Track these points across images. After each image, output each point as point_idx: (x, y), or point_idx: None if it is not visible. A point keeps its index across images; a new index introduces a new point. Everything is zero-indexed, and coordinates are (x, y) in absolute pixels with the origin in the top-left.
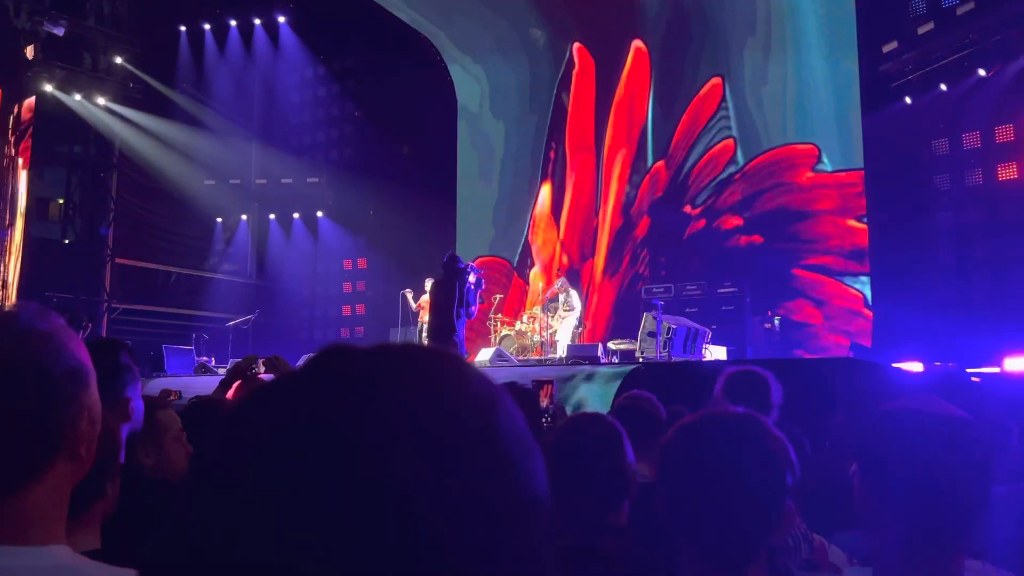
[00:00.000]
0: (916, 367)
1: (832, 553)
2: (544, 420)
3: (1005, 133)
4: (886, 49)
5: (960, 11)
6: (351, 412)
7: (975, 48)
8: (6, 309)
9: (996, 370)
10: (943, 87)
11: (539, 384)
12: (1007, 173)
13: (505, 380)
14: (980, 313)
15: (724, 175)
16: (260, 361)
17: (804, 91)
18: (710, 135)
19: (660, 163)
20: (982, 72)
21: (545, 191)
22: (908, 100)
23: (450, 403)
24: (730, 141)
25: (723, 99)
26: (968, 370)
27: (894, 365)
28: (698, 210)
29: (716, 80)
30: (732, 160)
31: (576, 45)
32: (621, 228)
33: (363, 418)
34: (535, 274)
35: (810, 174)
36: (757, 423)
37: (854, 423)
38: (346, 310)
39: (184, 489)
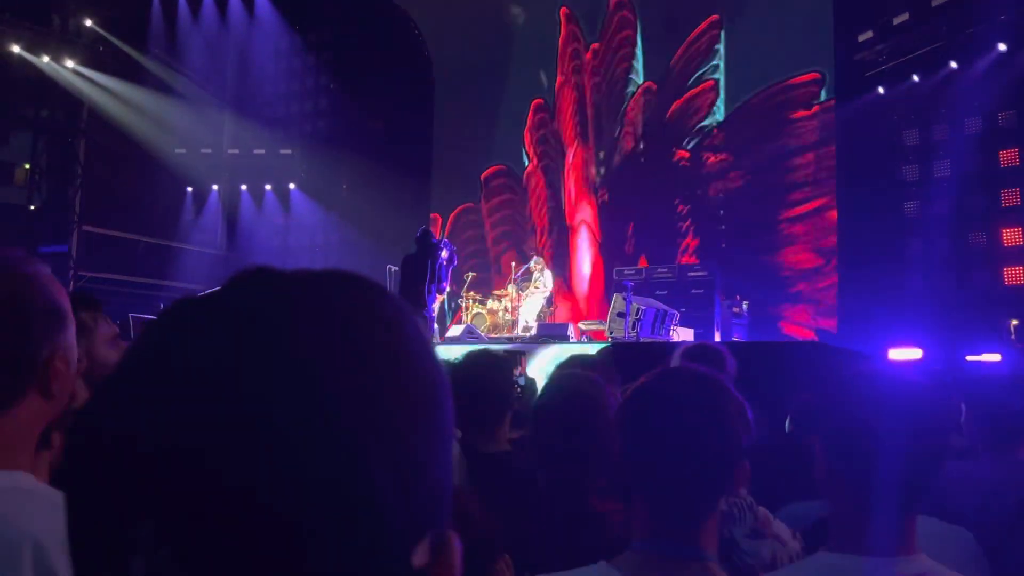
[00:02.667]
0: (915, 353)
1: (776, 525)
2: (516, 388)
3: (973, 126)
4: (861, 38)
5: (935, 2)
6: (273, 324)
7: (948, 40)
8: None
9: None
10: (915, 78)
11: (511, 354)
12: (974, 165)
13: (480, 348)
14: (943, 303)
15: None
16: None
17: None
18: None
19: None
20: (954, 65)
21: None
22: (881, 90)
23: (364, 316)
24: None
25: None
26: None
27: (893, 350)
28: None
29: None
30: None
31: (563, 10)
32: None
33: (284, 329)
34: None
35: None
36: (716, 381)
37: (816, 396)
38: None
39: (118, 379)
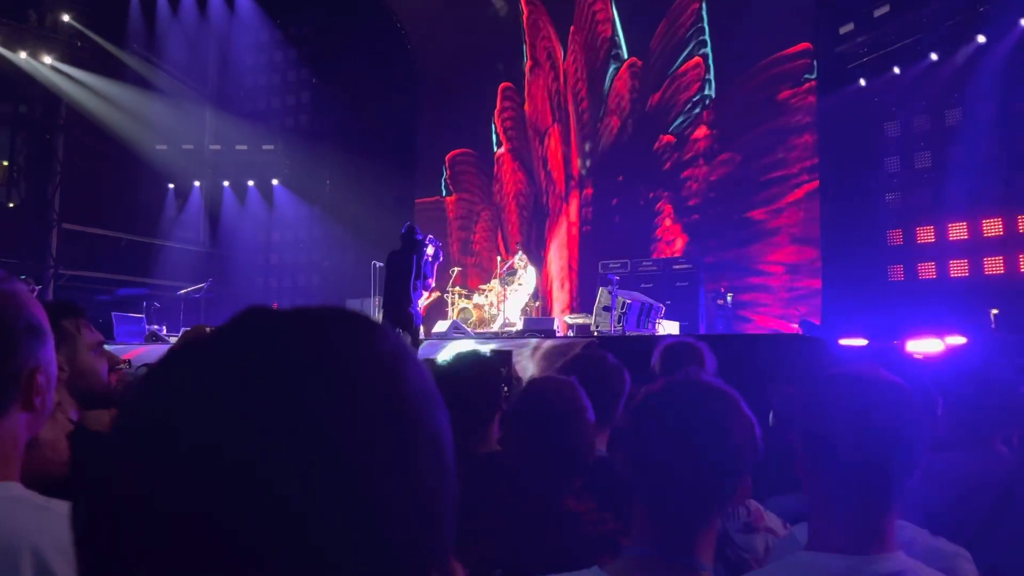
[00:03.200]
0: (860, 342)
1: (768, 517)
2: (504, 389)
3: (953, 117)
4: (843, 31)
5: None
6: (275, 369)
7: (928, 32)
8: None
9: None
10: (896, 70)
11: (498, 354)
12: (955, 156)
13: (468, 350)
14: (923, 294)
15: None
16: (207, 330)
17: None
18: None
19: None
20: (934, 56)
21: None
22: (863, 82)
23: (363, 358)
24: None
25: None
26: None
27: (841, 341)
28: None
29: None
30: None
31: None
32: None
33: (285, 375)
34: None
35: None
36: (725, 395)
37: (796, 392)
38: (301, 280)
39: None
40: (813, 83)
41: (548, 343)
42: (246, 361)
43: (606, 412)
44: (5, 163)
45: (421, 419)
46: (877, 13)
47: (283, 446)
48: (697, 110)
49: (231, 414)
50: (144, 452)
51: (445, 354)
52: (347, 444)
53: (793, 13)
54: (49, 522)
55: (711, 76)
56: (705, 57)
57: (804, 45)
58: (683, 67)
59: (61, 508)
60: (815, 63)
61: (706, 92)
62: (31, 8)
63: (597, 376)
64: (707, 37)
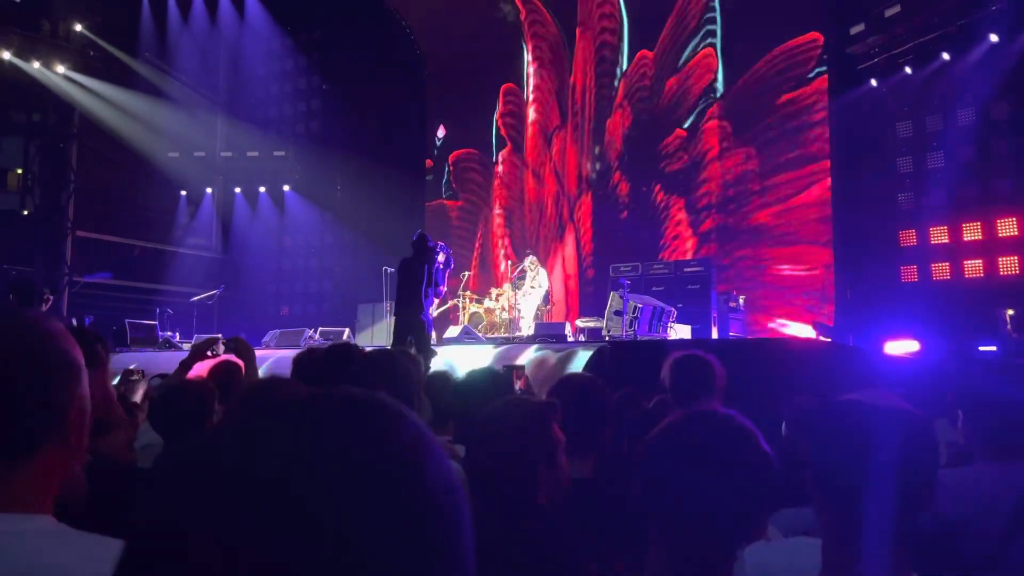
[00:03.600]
0: (912, 346)
1: (770, 532)
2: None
3: (966, 117)
4: (853, 31)
5: None
6: (297, 465)
7: (940, 32)
8: (10, 306)
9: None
10: (908, 70)
11: (510, 369)
12: (967, 156)
13: (483, 366)
14: (938, 296)
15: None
16: (220, 342)
17: None
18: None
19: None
20: (946, 56)
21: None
22: (874, 82)
23: (383, 451)
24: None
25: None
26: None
27: (890, 342)
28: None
29: None
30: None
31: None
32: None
33: (308, 471)
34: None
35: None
36: (743, 430)
37: (811, 412)
38: (313, 285)
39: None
40: (824, 80)
41: (551, 360)
42: (271, 455)
43: (591, 437)
44: (19, 171)
45: (442, 512)
46: (888, 13)
47: (301, 538)
48: (707, 106)
49: (250, 502)
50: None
51: (458, 358)
52: (364, 538)
53: (803, 8)
54: (87, 556)
55: (720, 70)
56: (714, 47)
57: (814, 35)
58: (692, 61)
59: (97, 543)
60: (825, 57)
61: (716, 86)
62: (44, 18)
63: (581, 400)
64: (718, 27)
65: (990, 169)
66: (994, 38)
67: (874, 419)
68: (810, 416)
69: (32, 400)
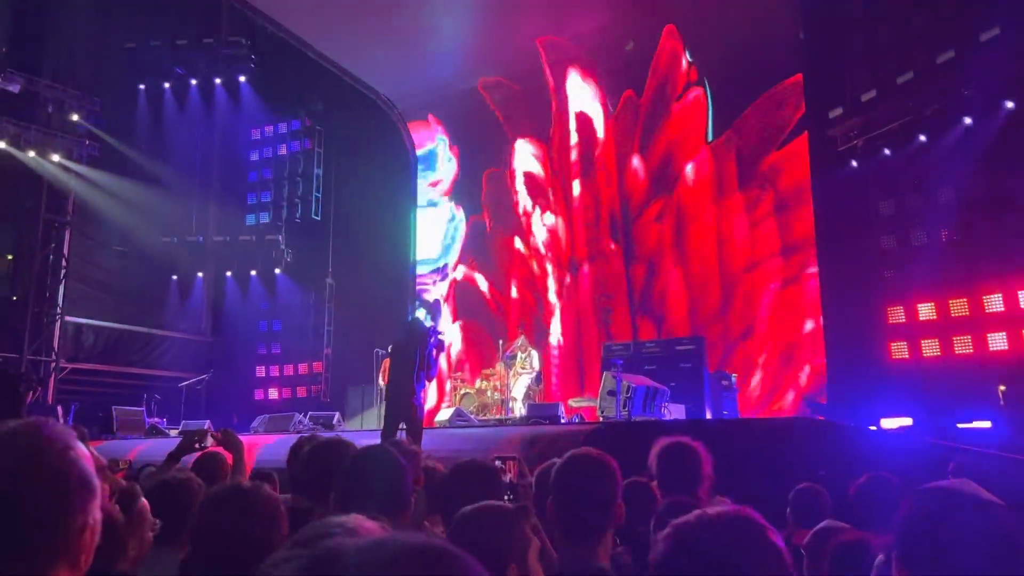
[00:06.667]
0: (905, 422)
1: None
2: (507, 496)
3: (946, 195)
4: (832, 115)
5: (900, 80)
6: None
7: (915, 116)
8: (32, 421)
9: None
10: (887, 152)
11: (504, 461)
12: (948, 234)
13: (467, 461)
14: (928, 372)
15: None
16: (210, 434)
17: None
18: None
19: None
20: (923, 138)
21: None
22: (855, 163)
23: None
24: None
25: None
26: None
27: (884, 421)
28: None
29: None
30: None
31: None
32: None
33: None
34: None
35: None
36: (757, 527)
37: (888, 496)
38: (303, 368)
39: None
40: (806, 155)
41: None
42: None
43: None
44: (10, 256)
45: None
46: (864, 98)
47: None
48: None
49: None
50: None
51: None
52: None
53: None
54: None
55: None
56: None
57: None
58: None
59: None
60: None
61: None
62: (40, 107)
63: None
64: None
65: (971, 245)
66: (968, 121)
67: (979, 514)
68: (904, 503)
69: (51, 518)
